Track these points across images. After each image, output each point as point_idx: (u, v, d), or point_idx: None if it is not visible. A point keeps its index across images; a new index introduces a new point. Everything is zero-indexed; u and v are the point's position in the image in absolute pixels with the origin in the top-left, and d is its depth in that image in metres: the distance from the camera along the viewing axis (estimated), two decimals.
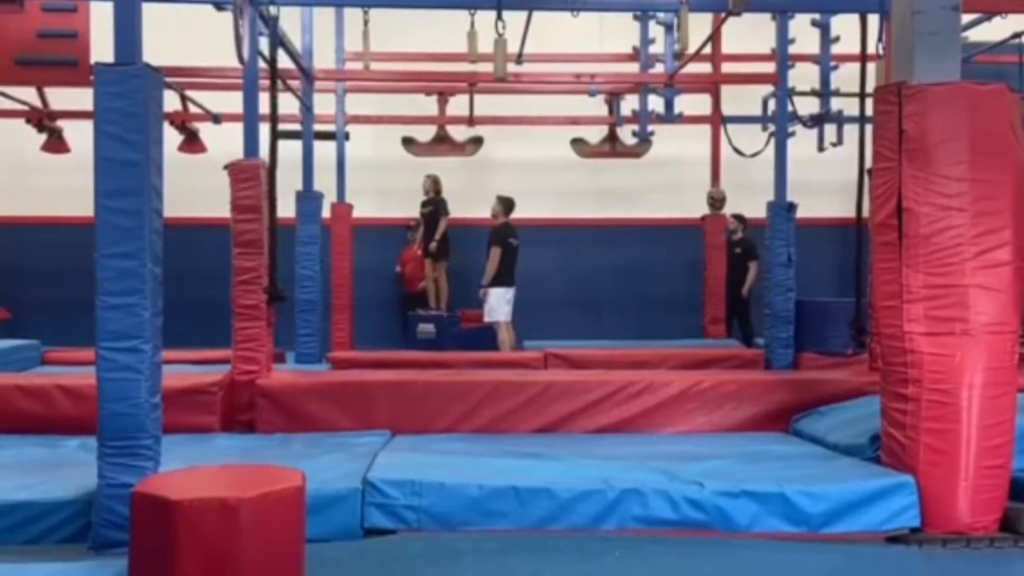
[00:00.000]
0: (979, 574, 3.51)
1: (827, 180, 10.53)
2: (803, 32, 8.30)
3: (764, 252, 7.53)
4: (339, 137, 9.05)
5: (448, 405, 5.36)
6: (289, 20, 6.88)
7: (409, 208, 10.02)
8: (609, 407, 5.41)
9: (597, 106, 9.94)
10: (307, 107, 7.99)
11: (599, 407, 5.40)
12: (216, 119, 9.14)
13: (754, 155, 8.84)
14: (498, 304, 8.73)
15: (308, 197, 7.94)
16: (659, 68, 8.88)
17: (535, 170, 10.98)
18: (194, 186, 10.21)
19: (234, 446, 4.82)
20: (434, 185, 9.68)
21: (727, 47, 9.53)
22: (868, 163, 4.66)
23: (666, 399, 5.44)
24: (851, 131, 9.34)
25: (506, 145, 10.66)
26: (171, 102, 9.17)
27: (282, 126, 6.25)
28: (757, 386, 5.55)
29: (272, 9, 5.99)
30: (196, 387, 5.25)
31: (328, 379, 5.78)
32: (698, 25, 7.32)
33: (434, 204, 9.63)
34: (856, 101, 6.05)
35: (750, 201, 9.60)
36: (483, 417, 5.34)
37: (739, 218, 9.71)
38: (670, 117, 8.90)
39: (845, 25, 7.62)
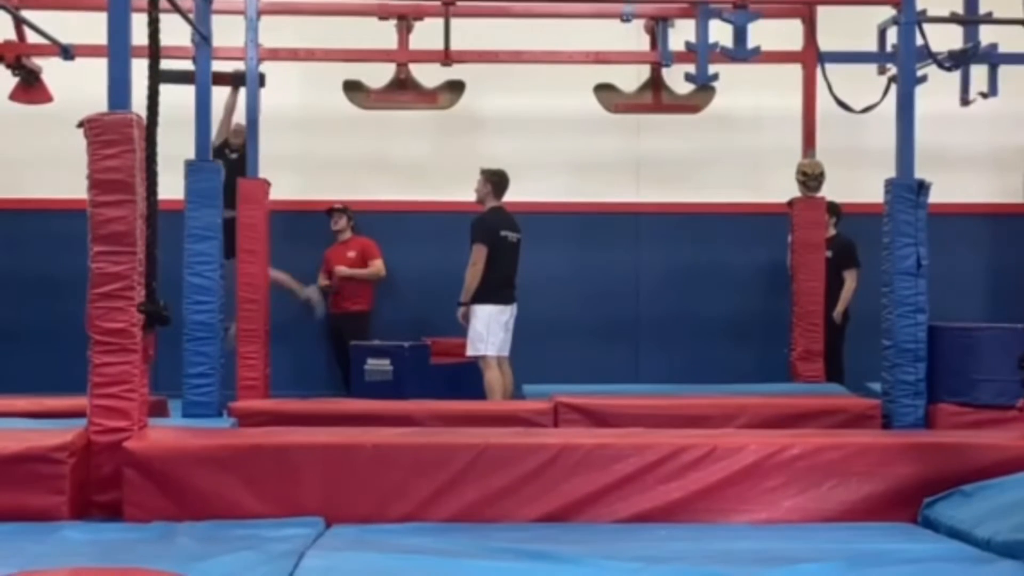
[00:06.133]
0: None
1: (974, 147, 10.57)
2: None
3: (881, 255, 7.52)
4: (250, 81, 9.05)
5: (411, 480, 5.33)
6: None
7: None
8: (650, 484, 5.38)
9: (633, 36, 9.94)
10: (203, 36, 7.99)
11: (635, 484, 5.38)
12: (67, 53, 9.13)
13: (866, 110, 8.86)
14: (486, 329, 8.72)
15: (203, 169, 7.94)
16: None
17: (541, 131, 10.99)
18: (33, 152, 10.16)
19: (91, 541, 4.77)
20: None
21: None
22: None
23: (736, 472, 5.42)
24: (1010, 74, 9.45)
25: (498, 94, 10.67)
26: None
27: (167, 64, 6.23)
28: (871, 453, 5.54)
29: None
30: (33, 453, 5.20)
31: (231, 441, 5.75)
32: None
33: None
34: (1020, 31, 6.07)
35: (860, 178, 9.63)
36: (463, 498, 5.32)
37: (830, 208, 9.76)
38: (742, 53, 8.92)
39: None
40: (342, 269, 10.17)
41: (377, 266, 10.32)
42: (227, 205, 8.45)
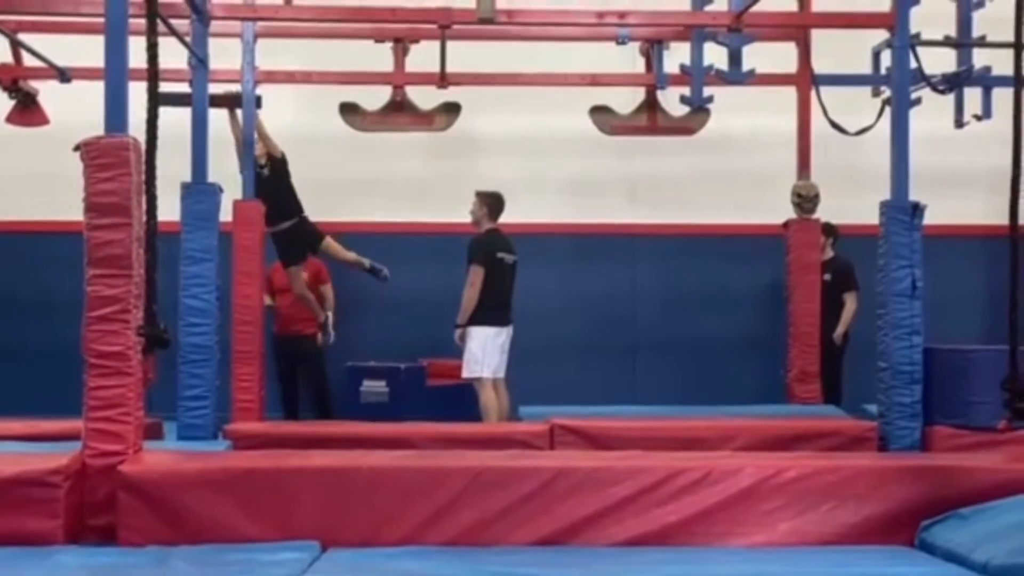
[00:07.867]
0: None
1: (969, 169, 10.57)
2: None
3: (876, 276, 7.54)
4: (247, 103, 9.07)
5: (407, 504, 5.33)
6: None
7: None
8: (647, 507, 5.38)
9: (629, 59, 9.96)
10: (200, 59, 8.01)
11: (631, 507, 5.38)
12: (64, 75, 9.14)
13: (861, 132, 8.88)
14: (482, 352, 8.71)
15: (200, 191, 7.94)
16: (720, 3, 8.92)
17: (537, 152, 11.01)
18: (30, 175, 10.16)
19: (85, 565, 4.77)
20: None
21: None
22: None
23: (732, 495, 5.41)
24: (1004, 96, 9.47)
25: (494, 116, 10.68)
26: None
27: (164, 86, 6.24)
28: (868, 476, 5.54)
29: None
30: (27, 476, 5.18)
31: (226, 464, 5.74)
32: None
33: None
34: (1012, 55, 6.08)
35: (855, 200, 9.61)
36: (459, 522, 5.32)
37: (828, 229, 9.78)
38: (736, 75, 8.94)
39: None
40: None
41: (329, 295, 10.22)
42: (270, 221, 9.09)
